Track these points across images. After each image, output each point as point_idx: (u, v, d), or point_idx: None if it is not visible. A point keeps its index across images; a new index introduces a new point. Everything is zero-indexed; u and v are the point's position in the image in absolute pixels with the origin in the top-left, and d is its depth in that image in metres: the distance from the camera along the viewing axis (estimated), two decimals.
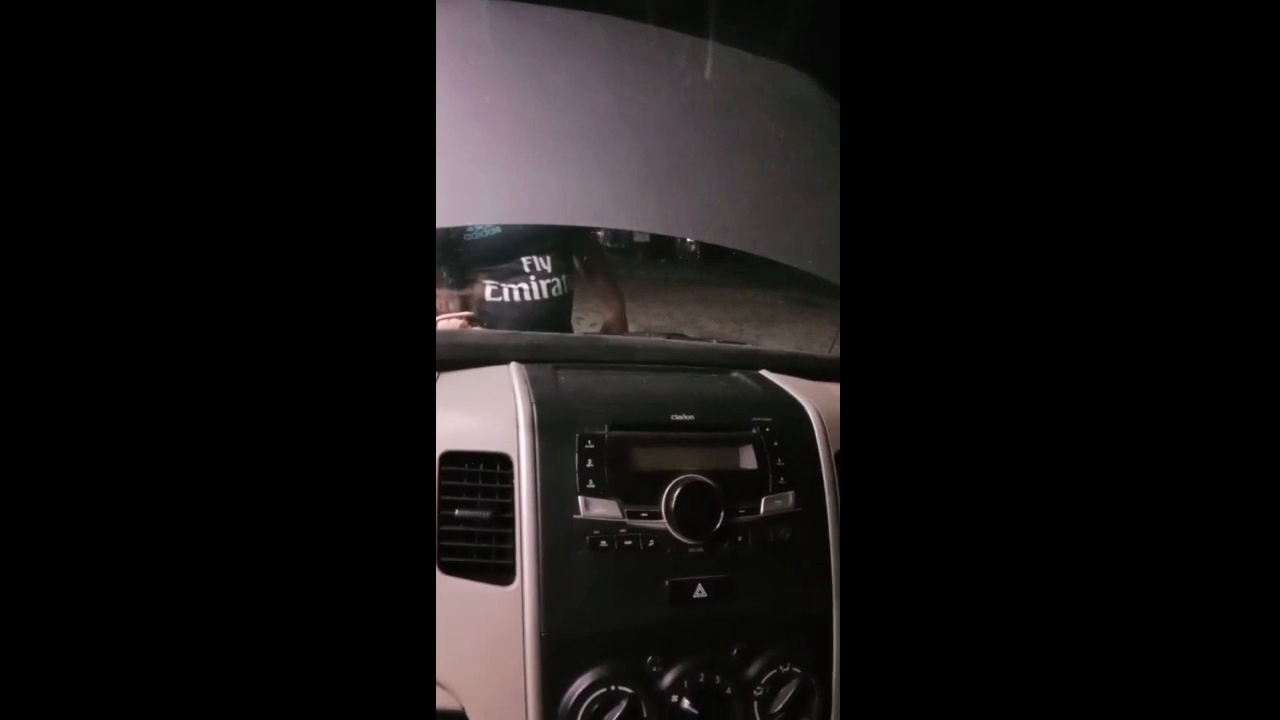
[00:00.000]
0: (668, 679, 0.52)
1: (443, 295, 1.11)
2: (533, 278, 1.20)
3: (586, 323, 1.40)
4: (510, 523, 0.53)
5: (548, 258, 1.21)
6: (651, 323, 4.66)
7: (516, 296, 1.18)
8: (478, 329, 0.98)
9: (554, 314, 1.23)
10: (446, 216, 0.95)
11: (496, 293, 1.18)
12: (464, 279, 1.16)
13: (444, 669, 0.51)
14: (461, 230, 1.15)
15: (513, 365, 0.67)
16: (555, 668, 0.51)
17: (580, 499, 0.53)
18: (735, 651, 0.54)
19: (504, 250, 1.18)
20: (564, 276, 1.24)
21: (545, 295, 1.20)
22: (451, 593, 0.51)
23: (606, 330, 1.37)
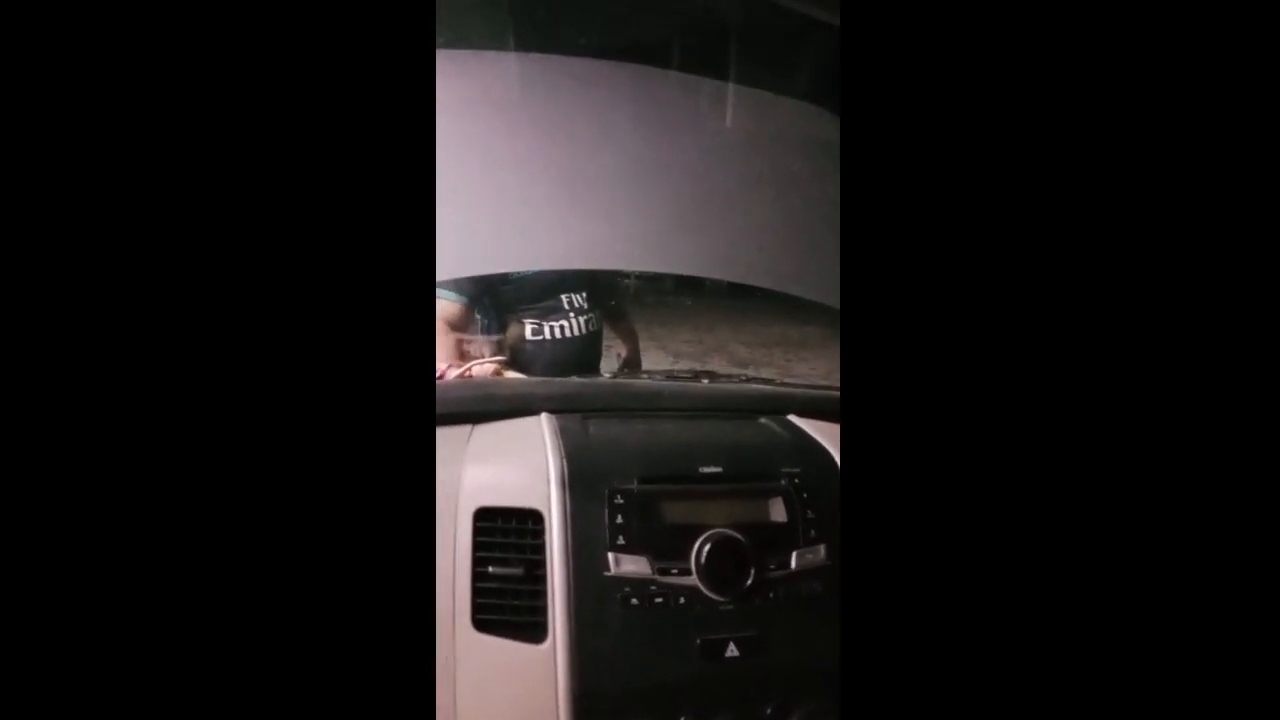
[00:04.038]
0: None
1: (479, 341, 1.14)
2: (572, 314, 1.22)
3: (613, 354, 1.44)
4: (542, 579, 0.54)
5: (584, 294, 1.24)
6: (681, 349, 4.65)
7: (557, 334, 1.21)
8: (510, 377, 1.00)
9: (588, 350, 1.26)
10: (484, 264, 0.97)
11: (537, 331, 1.20)
12: (501, 322, 1.19)
13: None
14: (505, 273, 1.18)
15: (544, 416, 0.68)
16: None
17: (610, 555, 0.54)
18: (769, 709, 0.53)
19: (545, 288, 1.22)
20: (598, 312, 1.27)
21: (583, 331, 1.23)
22: (485, 650, 0.52)
23: (625, 365, 1.40)
